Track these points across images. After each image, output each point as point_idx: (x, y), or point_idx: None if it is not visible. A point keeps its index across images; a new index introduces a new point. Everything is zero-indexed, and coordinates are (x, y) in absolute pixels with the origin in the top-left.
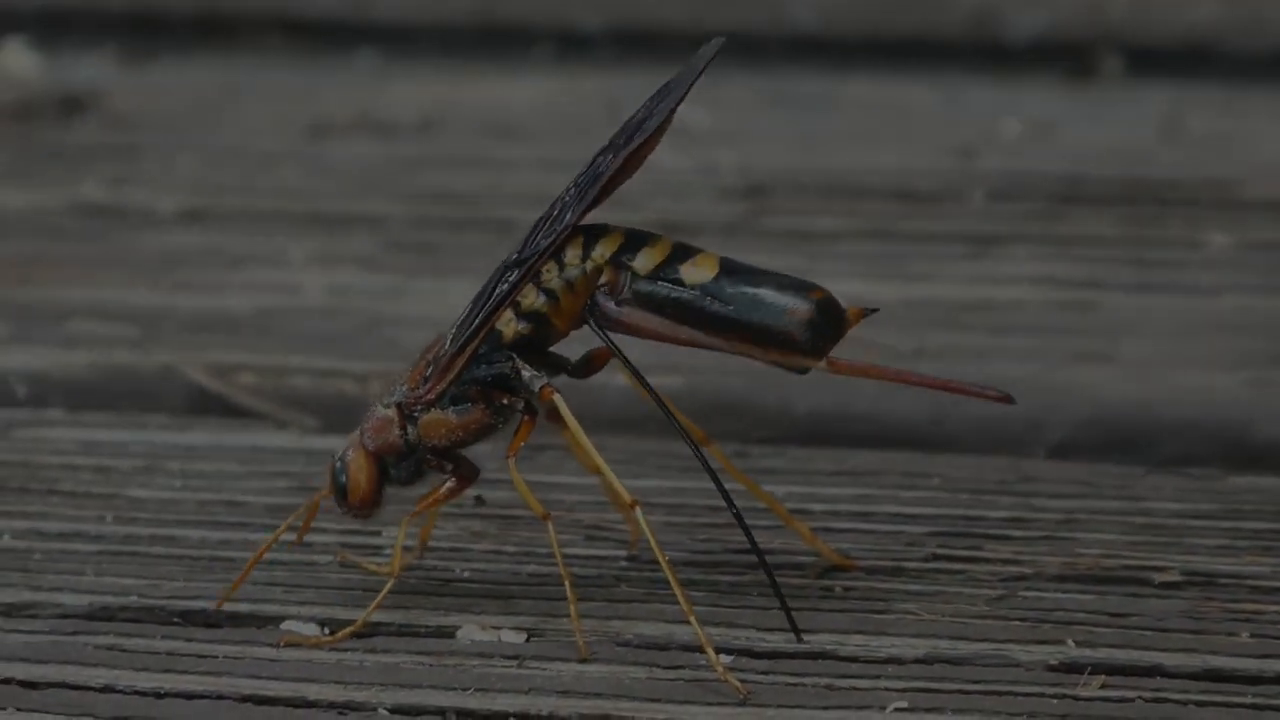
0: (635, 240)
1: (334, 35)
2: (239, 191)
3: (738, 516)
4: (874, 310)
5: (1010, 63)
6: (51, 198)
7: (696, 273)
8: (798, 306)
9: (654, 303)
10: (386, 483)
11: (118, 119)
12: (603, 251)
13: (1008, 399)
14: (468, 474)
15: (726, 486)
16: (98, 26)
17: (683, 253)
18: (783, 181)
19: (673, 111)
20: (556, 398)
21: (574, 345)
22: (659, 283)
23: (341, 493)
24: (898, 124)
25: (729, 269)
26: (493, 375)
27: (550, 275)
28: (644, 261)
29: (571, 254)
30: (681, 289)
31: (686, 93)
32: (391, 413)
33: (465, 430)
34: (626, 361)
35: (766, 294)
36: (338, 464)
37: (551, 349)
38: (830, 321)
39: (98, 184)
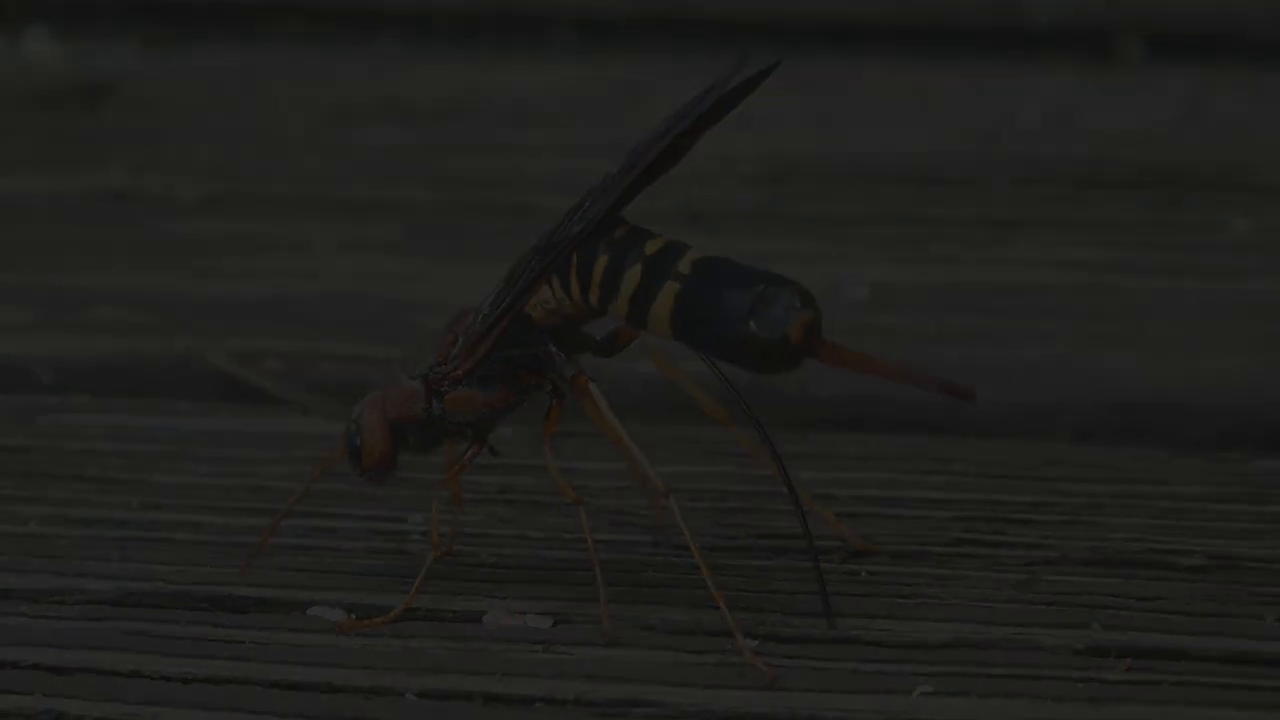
0: (616, 262)
1: (356, 20)
2: (262, 177)
3: (792, 492)
4: (815, 322)
5: (1031, 47)
6: (74, 184)
7: (657, 330)
8: (741, 360)
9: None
10: (402, 449)
11: (140, 105)
12: (589, 298)
13: (970, 393)
14: (484, 435)
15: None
16: (120, 13)
17: (648, 290)
18: (804, 166)
19: (711, 116)
20: (592, 387)
21: (599, 322)
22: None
23: (356, 455)
24: (919, 108)
25: (681, 316)
26: (524, 356)
27: (558, 290)
28: (617, 309)
29: (575, 287)
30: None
31: (731, 101)
32: (418, 385)
33: (491, 408)
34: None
35: (717, 349)
36: (352, 426)
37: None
38: (781, 360)
39: (120, 170)
